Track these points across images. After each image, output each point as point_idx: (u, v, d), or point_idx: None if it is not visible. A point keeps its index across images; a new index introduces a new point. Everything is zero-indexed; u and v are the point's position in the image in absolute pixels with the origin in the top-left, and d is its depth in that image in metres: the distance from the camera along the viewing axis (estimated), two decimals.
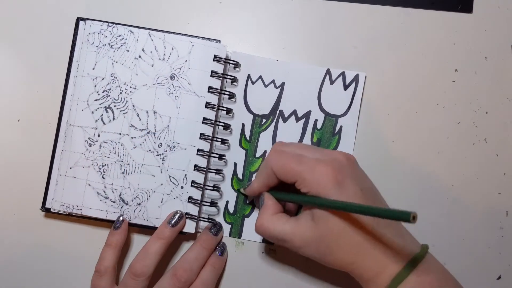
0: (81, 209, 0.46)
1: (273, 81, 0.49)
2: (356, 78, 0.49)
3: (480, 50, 0.50)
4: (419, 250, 0.38)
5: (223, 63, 0.47)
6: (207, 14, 0.50)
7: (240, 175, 0.49)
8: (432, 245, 0.47)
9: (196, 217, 0.46)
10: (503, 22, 0.50)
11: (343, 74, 0.49)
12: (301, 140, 0.49)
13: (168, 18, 0.49)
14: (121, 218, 0.46)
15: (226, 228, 0.48)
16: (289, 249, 0.40)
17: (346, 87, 0.49)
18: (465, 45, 0.50)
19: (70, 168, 0.46)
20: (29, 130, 0.49)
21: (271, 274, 0.48)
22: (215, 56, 0.47)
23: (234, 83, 0.49)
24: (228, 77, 0.47)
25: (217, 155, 0.47)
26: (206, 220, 0.47)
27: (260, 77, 0.49)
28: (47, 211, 0.47)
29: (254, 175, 0.48)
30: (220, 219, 0.48)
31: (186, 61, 0.46)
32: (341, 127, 0.49)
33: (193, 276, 0.44)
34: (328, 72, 0.49)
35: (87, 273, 0.45)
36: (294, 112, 0.49)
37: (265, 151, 0.49)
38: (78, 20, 0.47)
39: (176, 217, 0.45)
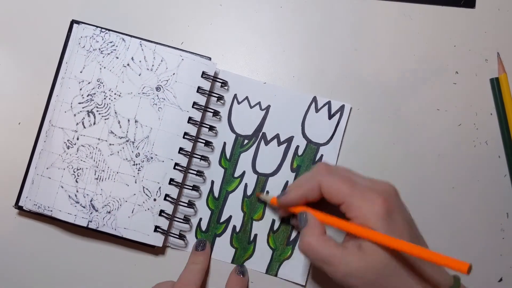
0: (51, 211, 0.45)
1: (259, 103, 0.49)
2: (341, 109, 0.48)
3: (480, 52, 0.50)
4: (453, 283, 0.39)
5: (211, 80, 0.47)
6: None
7: (216, 194, 0.48)
8: (433, 248, 0.46)
9: (165, 231, 0.46)
10: (504, 24, 0.50)
11: (329, 103, 0.48)
12: (281, 164, 0.48)
13: (169, 19, 0.50)
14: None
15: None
16: (329, 274, 0.39)
17: (330, 116, 0.48)
18: (465, 47, 0.50)
19: (47, 168, 0.46)
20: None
21: None
22: (203, 73, 0.46)
23: (220, 101, 0.48)
24: (214, 95, 0.47)
25: (195, 171, 0.47)
26: (176, 236, 0.46)
27: (247, 97, 0.49)
28: (19, 208, 0.47)
29: (231, 195, 0.48)
30: (191, 236, 0.47)
31: (174, 74, 0.46)
32: (321, 155, 0.48)
33: None
34: (314, 99, 0.48)
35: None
36: (277, 136, 0.48)
37: (243, 172, 0.48)
38: (73, 22, 0.48)
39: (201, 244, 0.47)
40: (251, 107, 0.49)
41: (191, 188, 0.46)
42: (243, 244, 0.47)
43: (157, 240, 0.46)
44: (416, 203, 0.48)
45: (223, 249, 0.47)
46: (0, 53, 0.50)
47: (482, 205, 0.48)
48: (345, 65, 0.49)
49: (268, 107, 0.49)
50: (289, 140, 0.48)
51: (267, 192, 0.48)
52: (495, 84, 0.49)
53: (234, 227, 0.48)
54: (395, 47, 0.50)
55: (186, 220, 0.47)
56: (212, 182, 0.48)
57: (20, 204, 0.47)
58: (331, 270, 0.38)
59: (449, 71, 0.49)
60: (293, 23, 0.50)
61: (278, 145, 0.48)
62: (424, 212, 0.48)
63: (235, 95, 0.49)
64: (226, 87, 0.49)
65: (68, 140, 0.46)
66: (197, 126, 0.46)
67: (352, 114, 0.49)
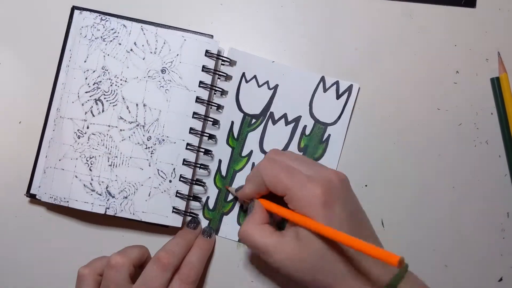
0: (67, 201, 0.46)
1: (267, 82, 0.49)
2: (349, 89, 0.48)
3: (481, 51, 0.50)
4: (397, 272, 0.38)
5: (215, 58, 0.47)
6: (208, 15, 0.50)
7: (223, 173, 0.48)
8: (433, 248, 0.47)
9: (183, 212, 0.46)
10: (504, 24, 0.50)
11: (337, 83, 0.49)
12: (288, 144, 0.48)
13: (170, 19, 0.49)
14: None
15: (205, 223, 0.48)
16: (267, 263, 0.40)
17: (338, 96, 0.49)
18: (466, 46, 0.50)
19: (59, 160, 0.46)
20: (24, 122, 0.49)
21: (271, 274, 0.48)
22: (206, 51, 0.47)
23: (228, 80, 0.49)
24: (219, 73, 0.48)
25: (203, 150, 0.47)
26: (190, 214, 0.47)
27: (255, 76, 0.49)
28: (31, 197, 0.47)
29: (238, 174, 0.48)
30: (199, 214, 0.48)
31: (177, 55, 0.47)
32: (329, 135, 0.48)
33: (176, 259, 0.43)
34: (322, 79, 0.49)
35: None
36: (285, 116, 0.49)
37: (251, 151, 0.48)
38: (73, 8, 0.48)
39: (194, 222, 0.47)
40: (259, 86, 0.49)
41: (203, 167, 0.47)
42: None
43: (176, 221, 0.46)
44: (416, 203, 0.48)
45: (230, 227, 0.48)
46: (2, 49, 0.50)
47: (482, 205, 0.48)
48: (345, 65, 0.49)
49: (276, 87, 0.49)
50: (297, 119, 0.49)
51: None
52: (496, 83, 0.49)
53: (241, 206, 0.48)
54: (395, 46, 0.50)
55: (197, 199, 0.47)
56: (220, 161, 0.48)
57: (32, 192, 0.47)
58: (267, 259, 0.39)
59: (449, 71, 0.49)
60: (294, 20, 0.50)
61: (286, 125, 0.49)
62: (424, 212, 0.48)
63: (243, 73, 0.49)
64: (233, 66, 0.49)
65: (78, 130, 0.46)
66: (205, 105, 0.47)
67: (352, 112, 0.49)
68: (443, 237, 0.48)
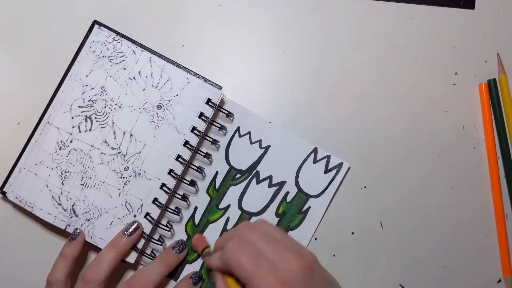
0: (32, 207, 0.46)
1: (259, 141, 0.48)
2: (339, 166, 0.47)
3: (480, 53, 0.49)
4: None
5: (215, 108, 0.46)
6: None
7: (196, 221, 0.47)
8: (432, 249, 0.47)
9: (139, 250, 0.45)
10: (503, 25, 0.49)
11: (328, 157, 0.47)
12: (267, 206, 0.47)
13: (169, 20, 0.49)
14: (78, 230, 0.45)
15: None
16: None
17: (327, 170, 0.47)
18: (465, 48, 0.49)
19: (35, 164, 0.46)
20: (23, 123, 0.49)
21: None
22: (208, 100, 0.46)
23: (222, 131, 0.48)
24: (216, 124, 0.47)
25: (180, 195, 0.46)
26: (148, 256, 0.46)
27: (249, 133, 0.48)
28: (3, 194, 0.47)
29: (211, 225, 0.47)
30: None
31: (177, 95, 0.46)
32: (309, 207, 0.47)
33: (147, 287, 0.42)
34: (315, 150, 0.47)
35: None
36: (270, 177, 0.47)
37: (228, 205, 0.47)
38: (94, 23, 0.47)
39: (133, 227, 0.44)
40: (251, 143, 0.48)
41: (173, 211, 0.46)
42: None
43: (130, 257, 0.45)
44: (414, 204, 0.48)
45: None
46: (6, 51, 0.50)
47: (481, 206, 0.48)
48: (344, 67, 0.49)
49: (267, 147, 0.48)
50: (281, 184, 0.47)
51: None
52: (492, 85, 0.48)
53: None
54: (394, 48, 0.49)
55: (161, 241, 0.46)
56: (196, 208, 0.48)
57: (4, 190, 0.47)
58: None
59: (448, 72, 0.49)
60: (292, 24, 0.49)
61: (269, 187, 0.47)
62: (422, 213, 0.48)
63: (238, 127, 0.48)
64: (231, 118, 0.48)
65: (61, 141, 0.46)
66: (192, 151, 0.46)
67: (353, 114, 0.48)
68: (442, 238, 0.48)
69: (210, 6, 0.50)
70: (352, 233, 0.48)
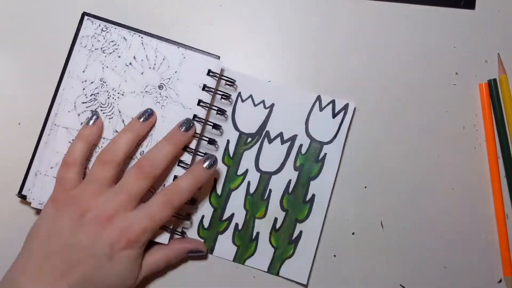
0: None
1: (263, 101, 0.49)
2: (345, 108, 0.48)
3: (480, 53, 0.50)
4: None
5: (217, 78, 0.47)
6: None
7: (219, 191, 0.48)
8: (432, 249, 0.48)
9: (170, 230, 0.46)
10: (504, 25, 0.50)
11: (333, 102, 0.48)
12: (284, 163, 0.48)
13: (169, 20, 0.50)
14: (95, 116, 0.45)
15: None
16: None
17: (334, 115, 0.48)
18: (465, 48, 0.50)
19: (51, 168, 0.46)
20: (24, 124, 0.49)
21: None
22: (209, 71, 0.46)
23: (227, 99, 0.48)
24: (220, 93, 0.47)
25: None
26: (180, 234, 0.47)
27: (251, 96, 0.49)
28: (22, 197, 0.47)
29: (234, 193, 0.48)
30: (193, 233, 0.48)
31: (175, 72, 0.46)
32: (325, 154, 0.48)
33: (157, 168, 0.43)
34: (318, 98, 0.48)
35: None
36: (280, 135, 0.48)
37: (246, 170, 0.48)
38: (83, 15, 0.47)
39: (147, 113, 0.45)
40: (255, 105, 0.49)
41: None
42: (245, 242, 0.48)
43: (163, 238, 0.46)
44: (415, 204, 0.48)
45: (225, 246, 0.48)
46: (4, 51, 0.50)
47: (481, 206, 0.48)
48: (345, 66, 0.49)
49: (272, 106, 0.49)
50: (293, 138, 0.48)
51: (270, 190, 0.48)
52: (493, 85, 0.49)
53: (236, 225, 0.48)
54: (395, 48, 0.49)
55: (188, 217, 0.47)
56: (215, 180, 0.48)
57: (23, 193, 0.47)
58: None
59: (449, 72, 0.49)
60: (293, 23, 0.50)
61: (282, 144, 0.48)
62: (423, 213, 0.48)
63: (239, 93, 0.49)
64: (234, 86, 0.48)
65: (72, 140, 0.46)
66: (202, 123, 0.46)
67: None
68: (442, 238, 0.48)
69: (210, 6, 0.50)
70: (353, 233, 0.48)
